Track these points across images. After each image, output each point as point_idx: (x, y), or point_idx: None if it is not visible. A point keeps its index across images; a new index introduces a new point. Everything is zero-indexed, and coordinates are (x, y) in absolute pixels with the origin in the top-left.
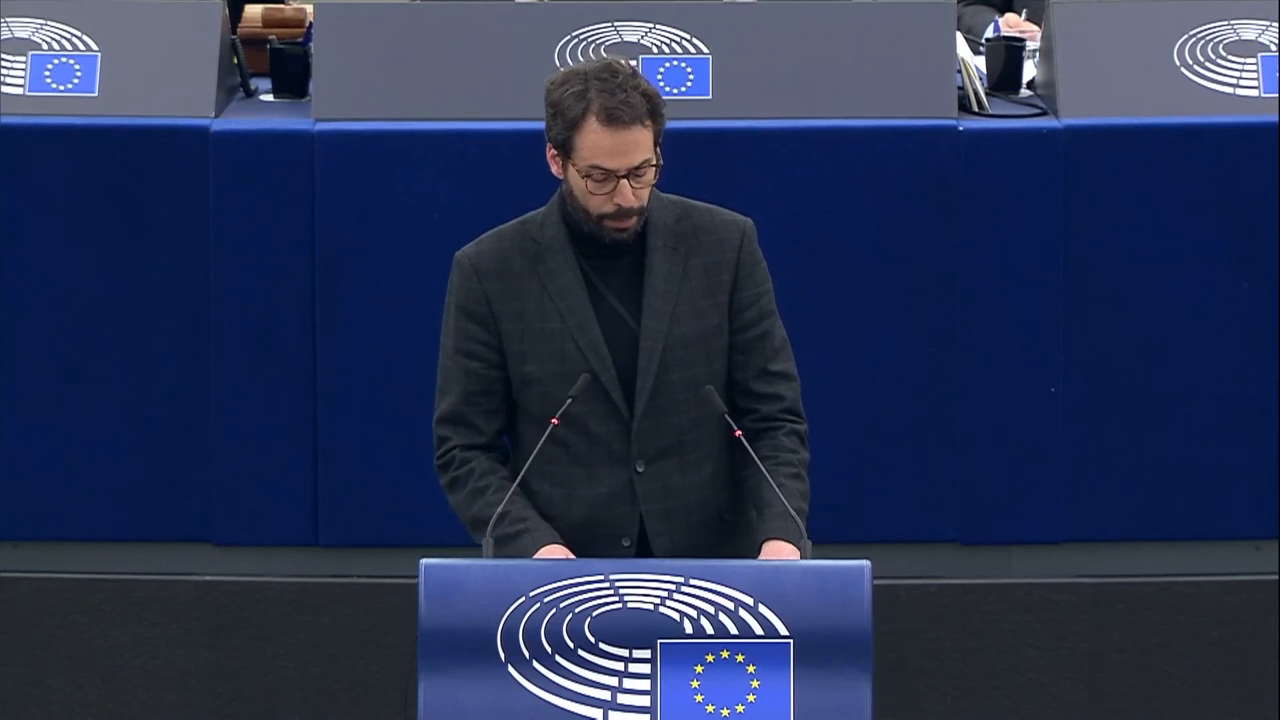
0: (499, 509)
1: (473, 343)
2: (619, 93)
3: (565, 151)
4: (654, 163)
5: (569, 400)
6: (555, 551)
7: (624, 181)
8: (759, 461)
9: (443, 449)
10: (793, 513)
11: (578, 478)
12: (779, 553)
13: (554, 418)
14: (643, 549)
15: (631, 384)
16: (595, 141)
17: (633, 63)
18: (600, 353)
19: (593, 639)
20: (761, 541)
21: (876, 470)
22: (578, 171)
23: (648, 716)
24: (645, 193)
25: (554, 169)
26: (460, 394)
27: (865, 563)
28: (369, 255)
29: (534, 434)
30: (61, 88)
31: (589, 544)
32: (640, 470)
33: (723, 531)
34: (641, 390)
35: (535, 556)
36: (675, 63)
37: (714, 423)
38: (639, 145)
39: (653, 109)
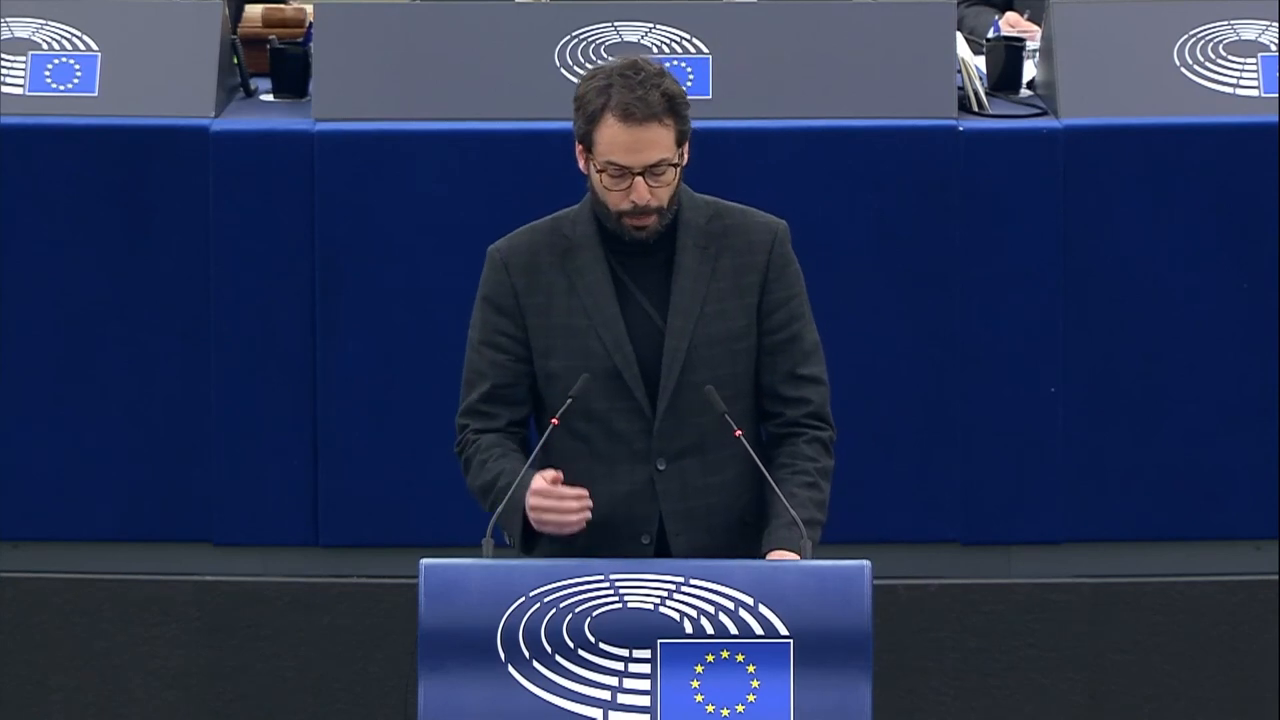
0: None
1: (499, 335)
2: (638, 89)
3: (587, 146)
4: (674, 162)
5: (569, 400)
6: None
7: (639, 179)
8: (762, 465)
9: (459, 438)
10: (798, 521)
11: (599, 474)
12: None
13: (554, 418)
14: (662, 547)
15: (655, 382)
16: (611, 137)
17: (664, 63)
18: (624, 350)
19: (593, 639)
20: (765, 553)
21: (876, 470)
22: (595, 167)
23: (648, 716)
24: (664, 192)
25: (581, 164)
26: (483, 387)
27: (865, 563)
28: (369, 255)
29: (557, 430)
30: (61, 88)
31: (610, 541)
32: (661, 468)
33: (747, 535)
34: (664, 388)
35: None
36: (675, 63)
37: (740, 425)
38: (655, 143)
39: (673, 108)
